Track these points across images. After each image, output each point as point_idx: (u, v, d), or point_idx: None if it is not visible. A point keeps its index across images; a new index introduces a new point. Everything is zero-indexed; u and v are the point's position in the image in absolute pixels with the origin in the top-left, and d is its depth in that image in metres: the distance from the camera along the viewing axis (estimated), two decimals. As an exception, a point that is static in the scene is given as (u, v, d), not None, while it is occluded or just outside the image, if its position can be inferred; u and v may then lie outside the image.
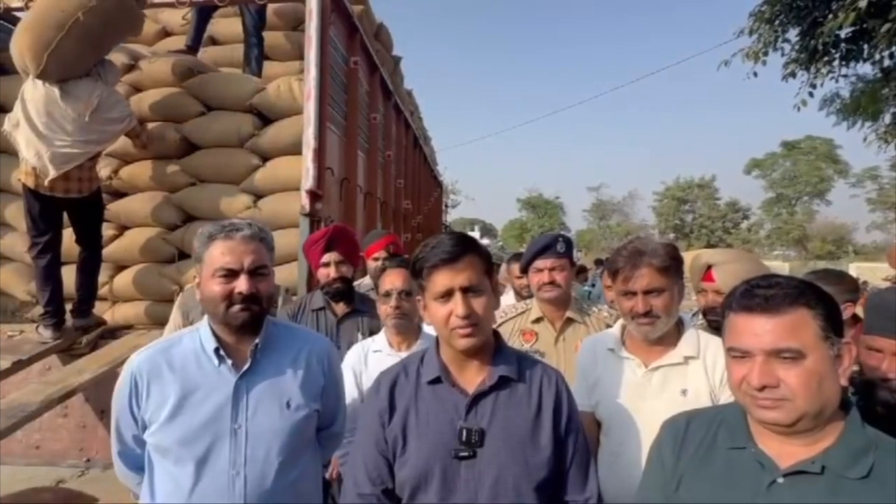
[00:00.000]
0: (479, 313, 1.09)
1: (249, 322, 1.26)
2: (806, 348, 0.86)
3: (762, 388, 0.87)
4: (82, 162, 2.96)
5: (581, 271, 6.92)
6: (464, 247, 1.11)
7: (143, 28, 3.42)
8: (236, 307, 1.23)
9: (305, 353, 1.36)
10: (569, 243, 2.04)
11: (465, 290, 1.08)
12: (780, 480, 0.88)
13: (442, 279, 1.09)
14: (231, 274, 1.22)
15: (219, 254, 1.23)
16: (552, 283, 1.93)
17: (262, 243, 1.29)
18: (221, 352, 1.26)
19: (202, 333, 1.29)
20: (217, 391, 1.24)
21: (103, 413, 3.05)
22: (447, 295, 1.09)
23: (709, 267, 1.89)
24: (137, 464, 1.31)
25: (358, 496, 1.14)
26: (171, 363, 1.27)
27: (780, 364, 0.87)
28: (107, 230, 3.44)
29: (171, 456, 1.23)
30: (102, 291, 3.41)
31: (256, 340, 1.28)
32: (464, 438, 1.08)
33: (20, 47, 2.87)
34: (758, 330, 0.89)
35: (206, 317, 1.31)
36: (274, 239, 1.37)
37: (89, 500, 2.47)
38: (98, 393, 3.01)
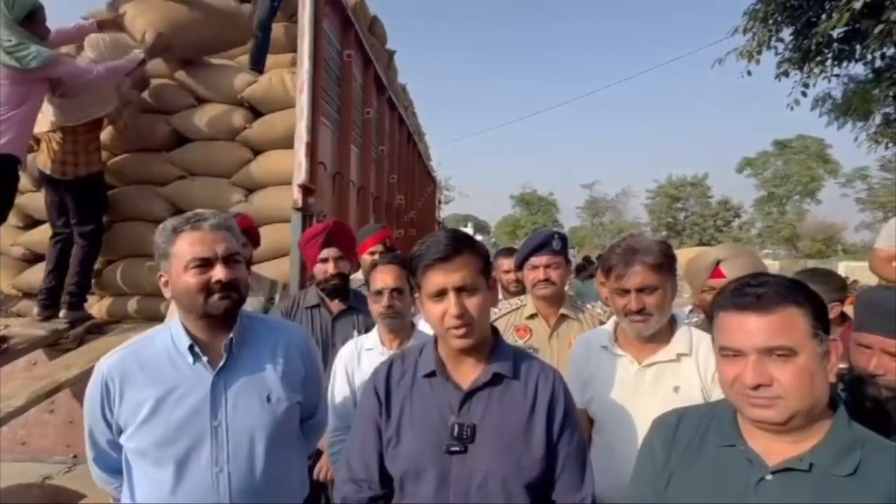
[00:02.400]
0: (473, 313, 1.08)
1: (231, 310, 1.24)
2: (797, 346, 0.87)
3: (756, 387, 0.87)
4: (70, 138, 3.02)
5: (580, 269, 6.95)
6: (458, 246, 1.10)
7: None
8: (216, 296, 1.20)
9: (283, 344, 1.34)
10: (564, 240, 2.04)
11: (459, 290, 1.08)
12: (769, 478, 0.89)
13: (436, 278, 1.09)
14: (205, 263, 1.19)
15: (188, 245, 1.20)
16: (547, 280, 1.93)
17: (230, 231, 1.26)
18: (196, 349, 1.23)
19: (174, 331, 1.26)
20: (194, 390, 1.22)
21: (91, 408, 3.01)
22: (441, 294, 1.08)
23: (717, 263, 1.86)
24: (115, 468, 1.29)
25: (351, 481, 1.16)
26: (144, 364, 1.23)
27: (772, 362, 0.87)
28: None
29: (150, 458, 1.20)
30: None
31: (231, 335, 1.25)
32: (455, 434, 1.08)
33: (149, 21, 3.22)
34: (750, 328, 0.89)
35: (176, 314, 1.28)
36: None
37: (76, 496, 2.44)
38: (85, 388, 2.97)
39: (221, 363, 1.24)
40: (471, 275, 1.09)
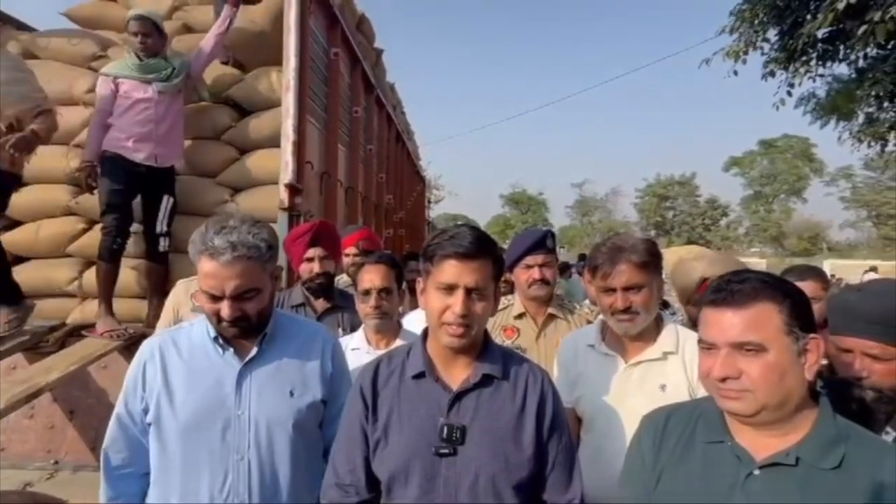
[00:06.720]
0: (476, 317, 1.07)
1: (240, 336, 1.28)
2: (767, 342, 0.88)
3: (724, 380, 0.90)
4: None
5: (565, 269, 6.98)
6: (481, 246, 1.08)
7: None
8: (224, 324, 1.24)
9: (311, 342, 1.39)
10: (554, 238, 2.04)
11: (470, 291, 1.06)
12: (757, 472, 0.90)
13: (450, 271, 1.06)
14: (214, 298, 1.22)
15: (203, 273, 1.22)
16: (543, 280, 1.92)
17: (251, 261, 1.22)
18: (221, 340, 1.29)
19: (207, 322, 1.31)
20: (222, 378, 1.27)
21: (72, 413, 2.96)
22: (450, 289, 1.06)
23: (704, 280, 1.80)
24: (131, 468, 1.31)
25: (336, 486, 1.14)
26: (179, 349, 1.31)
27: (742, 356, 0.89)
28: (76, 224, 3.34)
29: (179, 440, 1.25)
30: (71, 287, 3.30)
31: (265, 331, 1.31)
32: (444, 435, 1.06)
33: None
34: (724, 324, 0.91)
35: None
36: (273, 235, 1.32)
37: (57, 502, 2.38)
38: (66, 392, 2.92)
39: (251, 355, 1.29)
40: (484, 279, 1.07)
